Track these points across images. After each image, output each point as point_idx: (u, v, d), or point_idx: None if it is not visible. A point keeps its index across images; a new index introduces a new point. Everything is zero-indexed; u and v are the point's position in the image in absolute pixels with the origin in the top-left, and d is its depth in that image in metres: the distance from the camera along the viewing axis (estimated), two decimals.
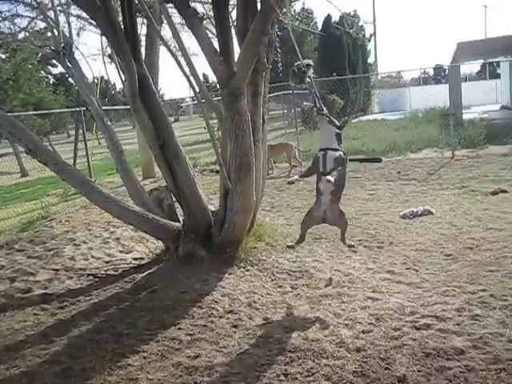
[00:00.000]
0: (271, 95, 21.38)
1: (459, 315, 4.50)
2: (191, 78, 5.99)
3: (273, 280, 5.72)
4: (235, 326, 4.69)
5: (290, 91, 21.01)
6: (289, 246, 6.15)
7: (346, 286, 5.37)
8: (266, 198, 9.59)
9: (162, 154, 6.16)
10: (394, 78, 61.20)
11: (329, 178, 5.18)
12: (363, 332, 4.36)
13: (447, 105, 24.46)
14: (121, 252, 7.66)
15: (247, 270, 5.99)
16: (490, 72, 49.47)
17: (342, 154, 5.36)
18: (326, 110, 5.46)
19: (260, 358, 4.09)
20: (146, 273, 6.28)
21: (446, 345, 4.02)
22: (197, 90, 6.21)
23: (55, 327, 4.98)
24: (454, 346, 3.98)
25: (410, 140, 15.57)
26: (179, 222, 6.78)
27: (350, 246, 5.91)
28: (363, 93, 32.66)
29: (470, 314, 4.51)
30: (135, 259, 7.16)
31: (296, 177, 6.27)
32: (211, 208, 6.86)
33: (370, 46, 38.42)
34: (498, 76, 42.32)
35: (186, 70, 6.03)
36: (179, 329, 4.68)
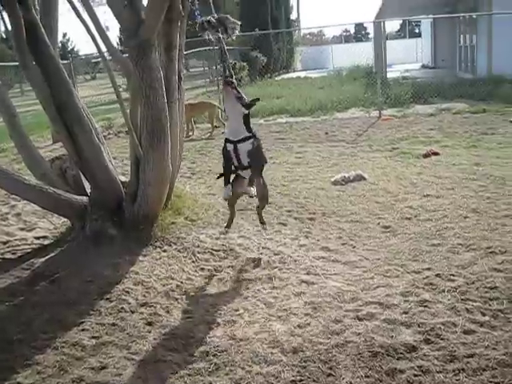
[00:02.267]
0: (192, 51, 20.31)
1: (405, 301, 3.98)
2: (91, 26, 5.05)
3: (194, 262, 5.01)
4: (150, 324, 3.96)
5: (212, 47, 20.03)
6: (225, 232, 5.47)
7: (276, 268, 4.75)
8: (185, 163, 8.83)
9: (59, 117, 5.22)
10: (315, 36, 61.09)
11: (251, 190, 4.98)
12: (299, 326, 3.76)
13: (371, 63, 24.43)
14: (21, 230, 6.68)
15: (164, 251, 5.24)
16: (409, 31, 50.04)
17: (253, 141, 4.64)
18: (235, 82, 4.61)
19: (179, 366, 3.39)
20: (47, 257, 5.39)
21: (394, 340, 3.47)
22: (100, 42, 5.29)
23: None
24: (404, 342, 3.44)
25: (335, 99, 15.11)
26: (87, 195, 5.91)
27: (262, 223, 5.35)
28: (286, 50, 31.99)
29: (418, 298, 4.00)
30: (37, 238, 6.22)
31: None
32: (122, 178, 6.02)
33: (292, 1, 37.60)
34: (417, 35, 42.80)
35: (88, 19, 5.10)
36: (83, 330, 3.90)
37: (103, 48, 5.54)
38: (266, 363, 3.34)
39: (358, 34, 75.20)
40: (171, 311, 4.14)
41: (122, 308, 4.18)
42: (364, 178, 7.23)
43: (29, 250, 5.78)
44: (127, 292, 4.43)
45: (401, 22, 48.70)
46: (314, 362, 3.31)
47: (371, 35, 35.75)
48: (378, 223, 5.62)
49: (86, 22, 4.94)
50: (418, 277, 4.36)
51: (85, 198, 5.73)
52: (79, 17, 4.87)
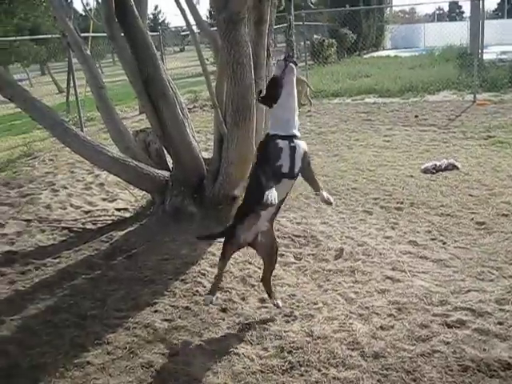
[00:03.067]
0: (278, 26, 19.95)
1: (501, 309, 3.62)
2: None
3: None
4: (224, 311, 3.83)
5: (299, 22, 19.62)
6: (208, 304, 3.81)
7: (359, 260, 4.48)
8: None
9: (145, 91, 5.14)
10: (407, 14, 58.88)
11: (328, 197, 3.36)
12: (382, 328, 3.50)
13: (465, 43, 23.16)
14: (103, 200, 6.80)
15: None
16: (507, 10, 47.14)
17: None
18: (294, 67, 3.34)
19: (252, 360, 3.23)
20: (126, 230, 5.40)
21: (487, 354, 3.15)
22: (189, 15, 5.14)
23: (10, 301, 4.14)
24: (499, 357, 3.11)
25: (427, 80, 14.36)
26: (169, 170, 5.86)
27: (270, 297, 3.84)
28: (376, 27, 30.87)
29: None
30: (118, 210, 6.29)
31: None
32: (205, 155, 5.91)
33: None
34: None
35: None
36: (156, 311, 3.83)
37: (192, 21, 5.41)
38: (345, 367, 3.12)
39: (452, 13, 71.97)
40: (247, 298, 3.99)
41: (197, 291, 4.08)
42: (457, 168, 6.77)
43: (109, 222, 5.83)
44: (203, 274, 4.33)
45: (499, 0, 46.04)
46: (397, 371, 3.05)
47: (466, 14, 33.95)
48: (472, 218, 5.21)
49: None
50: None
51: (166, 173, 5.69)
52: None
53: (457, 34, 24.72)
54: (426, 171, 6.72)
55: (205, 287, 4.12)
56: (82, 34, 6.29)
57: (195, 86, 17.53)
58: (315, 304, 3.85)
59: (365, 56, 26.38)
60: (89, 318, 3.77)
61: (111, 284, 4.27)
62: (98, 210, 6.35)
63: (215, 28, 5.07)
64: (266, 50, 5.29)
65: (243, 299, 3.99)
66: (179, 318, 3.74)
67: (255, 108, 4.95)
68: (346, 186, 6.30)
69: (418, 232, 4.98)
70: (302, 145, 3.32)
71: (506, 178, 6.35)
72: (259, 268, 4.42)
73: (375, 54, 28.67)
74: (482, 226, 5.02)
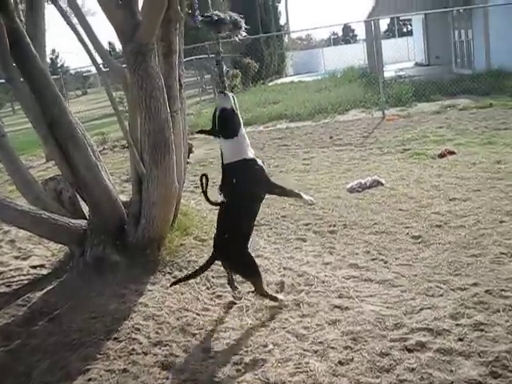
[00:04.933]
0: (187, 59, 19.82)
1: (457, 324, 3.47)
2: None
3: (208, 288, 4.49)
4: (166, 368, 3.43)
5: (203, 55, 19.59)
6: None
7: (303, 291, 4.23)
8: (187, 177, 8.29)
9: (51, 135, 4.70)
10: (304, 40, 60.86)
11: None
12: (341, 363, 3.24)
13: (364, 64, 24.02)
14: (16, 258, 6.16)
15: (174, 277, 4.71)
16: (397, 30, 49.76)
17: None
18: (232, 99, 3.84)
19: None
20: (45, 290, 4.87)
21: (456, 376, 2.96)
22: (93, 52, 4.78)
23: None
24: (468, 377, 2.93)
25: (334, 101, 14.63)
26: (86, 218, 5.40)
27: (272, 299, 4.07)
28: (277, 55, 31.53)
29: (470, 321, 3.48)
30: (33, 267, 5.70)
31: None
32: (123, 198, 5.50)
33: (281, 7, 37.13)
34: (406, 34, 42.47)
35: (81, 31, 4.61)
36: (90, 380, 3.37)
37: (97, 58, 5.05)
38: None
39: (346, 37, 75.07)
40: (189, 350, 3.62)
41: (133, 349, 3.66)
42: (381, 184, 6.73)
43: (25, 282, 5.27)
44: (137, 329, 3.91)
45: (388, 21, 48.50)
46: None
47: (359, 36, 35.37)
48: (407, 233, 5.11)
49: (78, 30, 4.43)
50: (465, 295, 3.84)
51: (83, 222, 5.23)
52: (70, 25, 4.37)
53: (354, 55, 25.62)
54: (352, 191, 6.64)
55: (141, 343, 3.71)
56: None
57: (102, 127, 16.94)
58: (265, 346, 3.53)
59: (269, 84, 26.74)
60: None
61: (35, 354, 3.75)
62: (10, 270, 5.73)
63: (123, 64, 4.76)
64: (177, 81, 5.02)
65: (185, 351, 3.61)
66: (117, 383, 3.31)
67: (174, 143, 4.66)
68: (275, 214, 6.07)
69: (356, 254, 4.80)
70: None
71: (431, 188, 6.36)
72: (197, 314, 4.08)
73: (279, 80, 29.18)
74: (419, 240, 4.93)
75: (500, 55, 15.37)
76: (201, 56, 17.51)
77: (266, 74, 27.05)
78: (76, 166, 4.79)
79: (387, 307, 3.81)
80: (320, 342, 3.49)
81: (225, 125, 3.73)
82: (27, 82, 4.66)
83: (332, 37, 66.98)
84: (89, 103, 28.65)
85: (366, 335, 3.49)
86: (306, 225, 5.68)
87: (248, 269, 4.00)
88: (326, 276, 4.42)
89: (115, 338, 3.81)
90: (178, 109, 5.05)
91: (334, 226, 5.55)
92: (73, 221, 5.14)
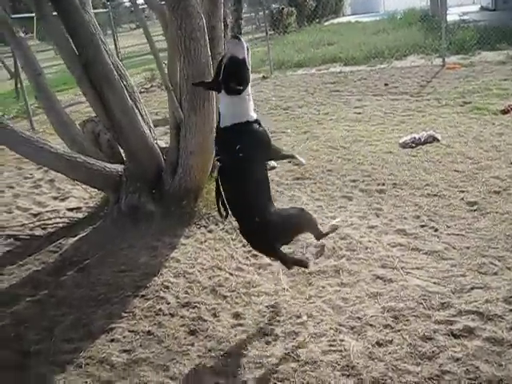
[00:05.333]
0: None
1: (511, 310, 3.14)
2: None
3: (244, 246, 4.24)
4: (193, 333, 3.25)
5: None
6: None
7: (344, 257, 3.94)
8: None
9: (86, 76, 4.45)
10: None
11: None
12: (379, 344, 2.97)
13: (426, 5, 22.69)
14: (54, 199, 6.13)
15: (210, 231, 4.53)
16: None
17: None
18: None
19: None
20: (77, 237, 4.76)
21: (505, 371, 2.66)
22: None
23: None
24: None
25: (392, 45, 13.80)
26: (124, 163, 5.21)
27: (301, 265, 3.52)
28: None
29: None
30: (70, 210, 5.65)
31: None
32: (162, 144, 5.27)
33: None
34: None
35: None
36: (112, 340, 3.24)
37: None
38: None
39: None
40: (219, 314, 3.42)
41: (160, 310, 3.49)
42: (437, 140, 6.27)
43: (60, 225, 5.19)
44: (166, 287, 3.74)
45: None
46: None
47: None
48: (462, 198, 4.71)
49: None
50: None
51: (120, 167, 5.05)
52: None
53: None
54: (404, 146, 6.20)
55: (169, 304, 3.54)
56: (18, 16, 5.51)
57: (153, 63, 16.56)
58: (298, 317, 3.30)
59: (325, 23, 25.68)
60: (32, 356, 3.15)
61: (60, 307, 3.64)
62: (47, 211, 5.67)
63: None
64: (222, 21, 4.66)
65: (214, 315, 3.42)
66: (140, 346, 3.15)
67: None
68: (321, 167, 5.74)
69: (405, 218, 4.46)
70: None
71: (491, 148, 5.87)
72: (230, 274, 3.87)
73: (335, 20, 28.00)
74: (475, 207, 4.53)
75: None
76: None
77: (322, 13, 26.00)
78: (111, 109, 4.55)
79: (434, 283, 3.50)
80: (358, 318, 3.23)
81: (231, 77, 2.92)
82: (61, 19, 4.38)
83: None
84: (142, 37, 28.15)
85: (409, 314, 3.20)
86: (353, 181, 5.33)
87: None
88: (370, 241, 4.11)
89: (142, 296, 3.65)
90: (222, 50, 4.71)
91: (383, 184, 5.18)
92: (109, 165, 4.96)
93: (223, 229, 4.52)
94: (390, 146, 6.27)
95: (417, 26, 17.39)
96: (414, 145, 6.17)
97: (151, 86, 13.07)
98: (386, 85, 9.94)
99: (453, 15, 20.57)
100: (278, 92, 10.50)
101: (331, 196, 5.04)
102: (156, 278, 3.84)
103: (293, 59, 13.90)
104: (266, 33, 13.74)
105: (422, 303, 3.30)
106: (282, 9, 21.38)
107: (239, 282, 3.77)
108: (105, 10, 14.46)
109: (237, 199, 3.13)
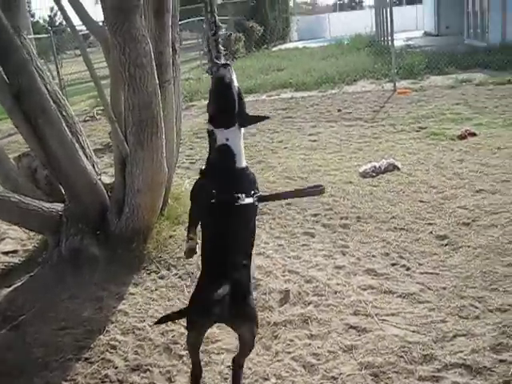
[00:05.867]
0: (183, 22, 18.83)
1: (501, 360, 2.82)
2: None
3: None
4: None
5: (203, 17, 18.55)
6: None
7: (311, 303, 3.57)
8: (182, 150, 7.57)
9: (17, 107, 3.97)
10: (309, 5, 59.28)
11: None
12: None
13: (371, 31, 23.02)
14: None
15: (161, 277, 4.08)
16: None
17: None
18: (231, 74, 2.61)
19: None
20: (13, 287, 4.23)
21: None
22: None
23: None
24: None
25: (342, 70, 13.81)
26: (65, 201, 4.72)
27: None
28: (282, 19, 30.39)
29: None
30: (5, 253, 5.08)
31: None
32: (106, 180, 4.81)
33: None
34: (414, 1, 41.06)
35: None
36: None
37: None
38: None
39: (352, 3, 73.23)
40: (174, 379, 2.98)
41: (107, 376, 3.03)
42: (397, 168, 6.04)
43: None
44: (113, 347, 3.27)
45: None
46: None
47: (365, 3, 34.14)
48: (431, 232, 4.44)
49: None
50: (506, 318, 3.18)
51: (60, 207, 4.55)
52: None
53: (361, 22, 24.54)
54: (365, 175, 5.94)
55: (116, 368, 3.07)
56: None
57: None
58: (266, 379, 2.89)
59: (273, 49, 25.75)
60: None
61: None
62: None
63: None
64: (171, 46, 4.28)
65: (169, 380, 2.98)
66: None
67: (163, 121, 3.95)
68: (279, 201, 5.39)
69: (373, 256, 4.14)
70: None
71: (453, 176, 5.68)
72: (186, 328, 3.42)
73: (283, 46, 28.17)
74: (445, 241, 4.26)
75: None
76: (202, 17, 16.50)
77: (270, 39, 26.04)
78: (48, 143, 4.08)
79: (413, 331, 3.16)
80: (333, 377, 2.85)
81: (241, 106, 2.57)
82: None
83: (338, 2, 65.28)
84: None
85: (390, 370, 2.85)
86: (315, 215, 5.00)
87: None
88: (338, 284, 3.76)
89: (86, 359, 3.17)
90: (170, 78, 4.33)
91: (347, 218, 4.88)
92: (47, 205, 4.47)
93: (176, 274, 4.09)
94: (350, 176, 6.00)
95: (365, 52, 17.56)
96: (374, 174, 5.92)
97: (96, 113, 12.52)
98: (339, 110, 9.78)
99: (398, 40, 20.86)
100: None
101: (292, 233, 4.68)
102: (101, 337, 3.36)
103: (243, 85, 13.60)
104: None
105: (402, 356, 2.95)
106: (230, 34, 21.22)
107: None
108: (47, 36, 13.87)
109: (227, 244, 2.51)
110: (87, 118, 11.99)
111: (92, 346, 3.28)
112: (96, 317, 3.59)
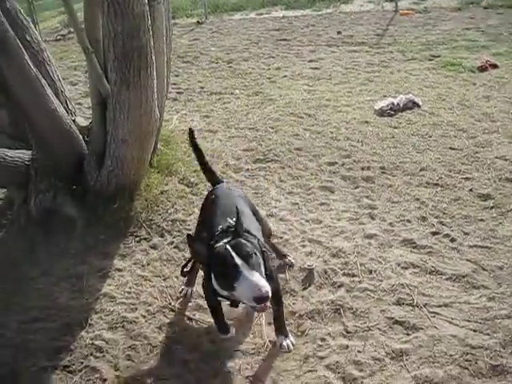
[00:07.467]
0: None
1: None
2: None
3: None
4: None
5: None
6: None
7: (343, 287, 2.90)
8: None
9: None
10: None
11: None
12: None
13: None
14: None
15: (153, 247, 3.37)
16: None
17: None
18: None
19: None
20: None
21: None
22: None
23: None
24: None
25: None
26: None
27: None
28: None
29: None
30: None
31: None
32: (82, 121, 3.97)
33: None
34: None
35: None
36: None
37: None
38: None
39: None
40: None
41: None
42: (417, 105, 5.27)
43: None
44: (99, 349, 2.59)
45: None
46: None
47: None
48: (470, 189, 3.75)
49: None
50: None
51: (27, 155, 3.73)
52: None
53: None
54: (382, 113, 5.16)
55: (104, 380, 2.41)
56: None
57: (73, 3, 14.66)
58: None
59: None
60: None
61: None
62: None
63: None
64: None
65: None
66: None
67: (154, 50, 3.12)
68: (287, 145, 4.62)
69: (408, 221, 3.44)
70: None
71: (483, 117, 4.95)
72: (189, 319, 2.77)
73: None
74: (490, 203, 3.57)
75: None
76: None
77: None
78: (6, 80, 3.21)
79: (474, 330, 2.53)
80: None
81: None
82: None
83: None
84: None
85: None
86: (331, 164, 4.25)
87: None
88: (372, 260, 3.09)
89: (65, 367, 2.49)
90: None
91: (369, 168, 4.15)
92: (10, 153, 3.64)
93: (171, 243, 3.37)
94: (365, 114, 5.23)
95: None
96: (392, 112, 5.16)
97: (69, 33, 11.19)
98: (338, 33, 8.80)
99: None
100: (216, 41, 9.15)
101: (307, 187, 3.95)
102: (83, 333, 2.67)
103: (229, 1, 12.44)
104: None
105: (467, 368, 2.33)
106: None
107: (203, 332, 2.68)
108: None
109: None
110: (59, 37, 10.80)
111: (72, 347, 2.60)
112: (75, 303, 2.88)
